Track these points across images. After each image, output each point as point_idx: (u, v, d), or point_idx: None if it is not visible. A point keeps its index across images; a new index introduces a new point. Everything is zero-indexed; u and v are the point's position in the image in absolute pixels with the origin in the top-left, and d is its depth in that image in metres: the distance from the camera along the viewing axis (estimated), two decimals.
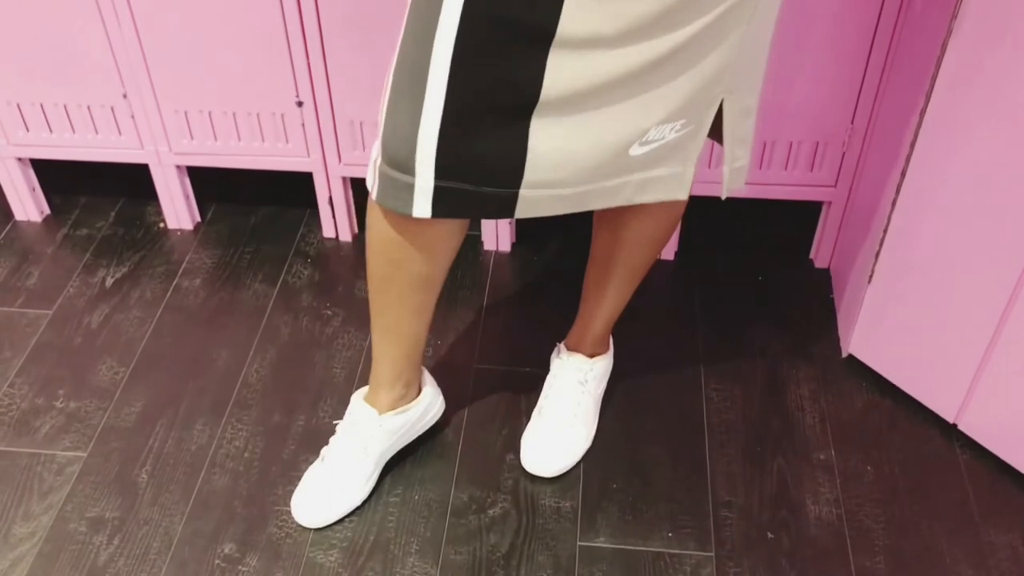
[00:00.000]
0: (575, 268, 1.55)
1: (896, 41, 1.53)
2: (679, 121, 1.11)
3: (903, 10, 1.50)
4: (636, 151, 1.11)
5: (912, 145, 1.38)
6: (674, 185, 1.20)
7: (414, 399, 1.45)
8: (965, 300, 1.42)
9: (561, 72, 1.01)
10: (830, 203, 1.77)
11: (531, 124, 1.05)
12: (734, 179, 1.25)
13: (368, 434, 1.42)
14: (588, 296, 1.49)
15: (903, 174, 1.41)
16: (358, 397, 1.46)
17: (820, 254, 1.84)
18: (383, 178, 1.13)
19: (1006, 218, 1.32)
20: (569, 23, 0.98)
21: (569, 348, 1.54)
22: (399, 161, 1.09)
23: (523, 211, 1.11)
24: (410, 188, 1.10)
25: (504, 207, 1.11)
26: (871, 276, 1.53)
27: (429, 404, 1.49)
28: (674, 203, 1.29)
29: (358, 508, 1.45)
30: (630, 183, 1.16)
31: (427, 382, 1.48)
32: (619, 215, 1.34)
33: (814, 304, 1.78)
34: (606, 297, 1.46)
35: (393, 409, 1.43)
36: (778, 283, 1.83)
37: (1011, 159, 1.27)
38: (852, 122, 1.64)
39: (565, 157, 1.08)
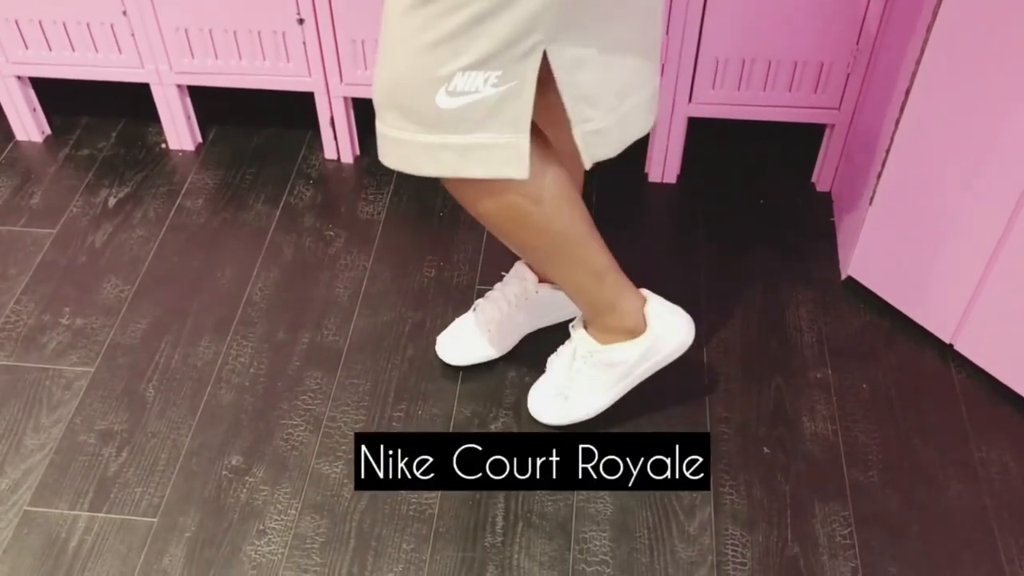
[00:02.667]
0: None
1: None
2: (493, 73, 1.04)
3: None
4: (446, 102, 1.06)
5: (917, 64, 1.38)
6: (505, 157, 1.10)
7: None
8: (964, 222, 1.43)
9: None
10: (833, 126, 1.76)
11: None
12: (591, 144, 1.15)
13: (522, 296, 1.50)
14: None
15: (907, 93, 1.41)
16: (521, 261, 1.51)
17: (822, 178, 1.85)
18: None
19: (1006, 140, 1.32)
20: None
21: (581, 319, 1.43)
22: None
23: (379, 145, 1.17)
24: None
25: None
26: (872, 197, 1.54)
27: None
28: (509, 183, 1.15)
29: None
30: (451, 147, 1.09)
31: None
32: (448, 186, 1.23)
33: (815, 227, 1.79)
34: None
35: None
36: (779, 206, 1.84)
37: (1014, 81, 1.27)
38: (857, 43, 1.63)
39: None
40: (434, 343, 1.56)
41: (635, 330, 1.36)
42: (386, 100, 1.12)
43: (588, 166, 1.17)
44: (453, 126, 1.08)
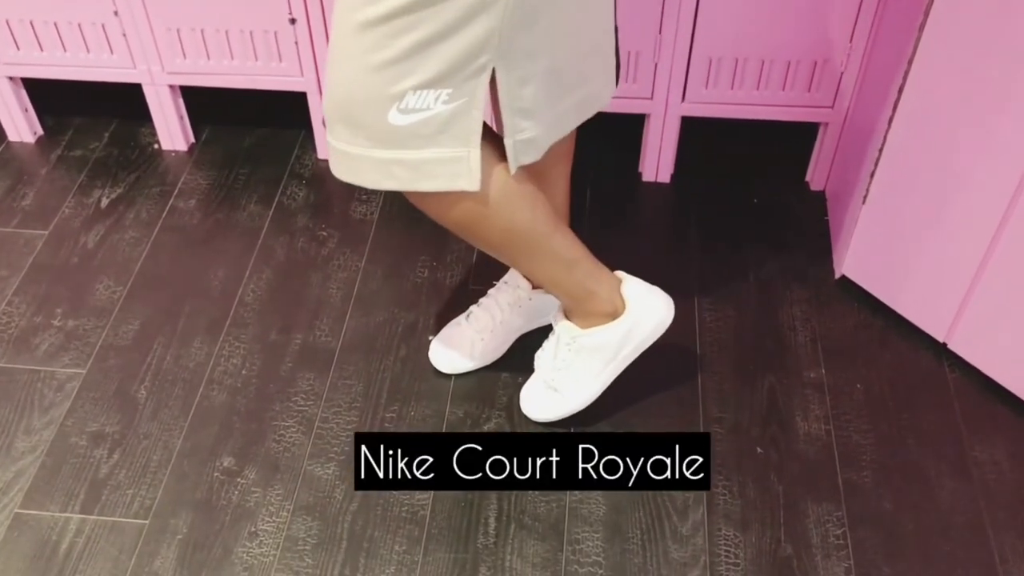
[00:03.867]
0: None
1: None
2: (444, 90, 1.06)
3: None
4: (398, 119, 1.07)
5: (909, 63, 1.37)
6: (456, 170, 1.12)
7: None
8: (957, 221, 1.43)
9: None
10: (827, 124, 1.76)
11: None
12: (520, 152, 1.17)
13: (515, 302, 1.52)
14: None
15: (900, 92, 1.41)
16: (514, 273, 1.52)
17: (816, 177, 1.84)
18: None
19: (999, 138, 1.31)
20: None
21: (561, 309, 1.43)
22: None
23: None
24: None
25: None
26: (866, 196, 1.53)
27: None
28: (461, 195, 1.17)
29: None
30: (404, 162, 1.11)
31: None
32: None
33: (809, 226, 1.79)
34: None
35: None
36: (773, 205, 1.83)
37: (1007, 79, 1.26)
38: (851, 41, 1.63)
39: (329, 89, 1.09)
40: (427, 344, 1.56)
41: (615, 312, 1.37)
42: (336, 114, 1.12)
43: (513, 171, 1.18)
44: (405, 142, 1.09)
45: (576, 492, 1.39)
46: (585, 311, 1.37)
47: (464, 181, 1.13)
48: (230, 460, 1.43)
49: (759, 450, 1.44)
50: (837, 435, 1.46)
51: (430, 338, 1.57)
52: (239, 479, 1.41)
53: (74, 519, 1.36)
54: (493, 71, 1.08)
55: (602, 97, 1.29)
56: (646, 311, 1.38)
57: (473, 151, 1.11)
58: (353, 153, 1.12)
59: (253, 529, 1.35)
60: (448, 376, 1.54)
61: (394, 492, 1.39)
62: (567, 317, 1.40)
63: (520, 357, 1.53)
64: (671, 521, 1.36)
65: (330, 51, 1.10)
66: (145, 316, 1.64)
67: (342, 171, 1.16)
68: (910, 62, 1.37)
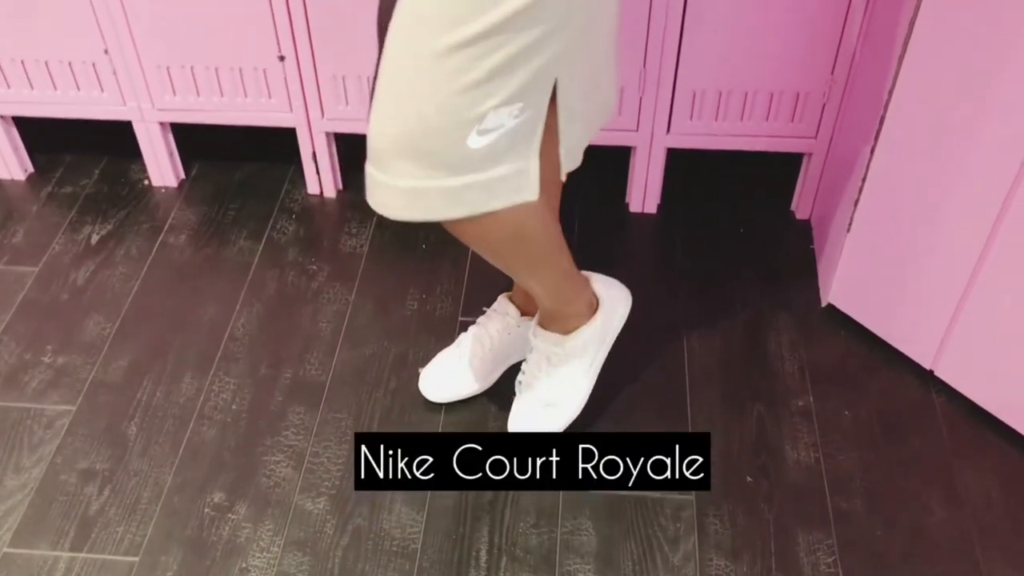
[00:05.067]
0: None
1: None
2: (517, 105, 1.04)
3: None
4: (476, 142, 1.03)
5: (889, 94, 1.39)
6: (521, 183, 1.10)
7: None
8: (941, 248, 1.44)
9: None
10: (811, 154, 1.78)
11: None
12: (567, 158, 1.19)
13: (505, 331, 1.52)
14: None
15: (881, 122, 1.43)
16: (505, 296, 1.54)
17: (801, 205, 1.86)
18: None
19: (979, 166, 1.33)
20: None
21: (539, 323, 1.45)
22: None
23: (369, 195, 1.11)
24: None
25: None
26: (850, 225, 1.55)
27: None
28: (508, 211, 1.13)
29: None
30: (475, 185, 1.07)
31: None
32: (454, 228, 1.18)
33: (795, 255, 1.80)
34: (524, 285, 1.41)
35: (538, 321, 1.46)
36: (760, 234, 1.85)
37: (986, 108, 1.29)
38: (832, 72, 1.65)
39: (396, 126, 1.04)
40: (417, 376, 1.57)
41: (591, 310, 1.43)
42: (401, 149, 1.05)
43: (563, 177, 1.22)
44: (480, 164, 1.06)
45: (567, 523, 1.39)
46: (568, 315, 1.41)
47: (528, 192, 1.11)
48: (220, 496, 1.43)
49: (749, 479, 1.45)
50: (826, 463, 1.46)
51: (420, 369, 1.57)
52: (230, 515, 1.41)
53: (64, 557, 1.36)
54: (555, 80, 1.07)
55: (613, 104, 1.31)
56: (614, 300, 1.46)
57: (533, 161, 1.10)
58: (420, 187, 1.06)
59: (244, 565, 1.35)
60: (439, 406, 1.54)
61: (384, 526, 1.39)
62: (544, 328, 1.42)
63: (509, 386, 1.53)
64: (663, 552, 1.36)
65: (390, 85, 1.03)
66: (135, 352, 1.64)
67: (400, 208, 1.09)
68: (890, 93, 1.39)
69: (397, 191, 1.07)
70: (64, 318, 1.70)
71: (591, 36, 1.13)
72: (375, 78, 1.07)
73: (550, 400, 1.46)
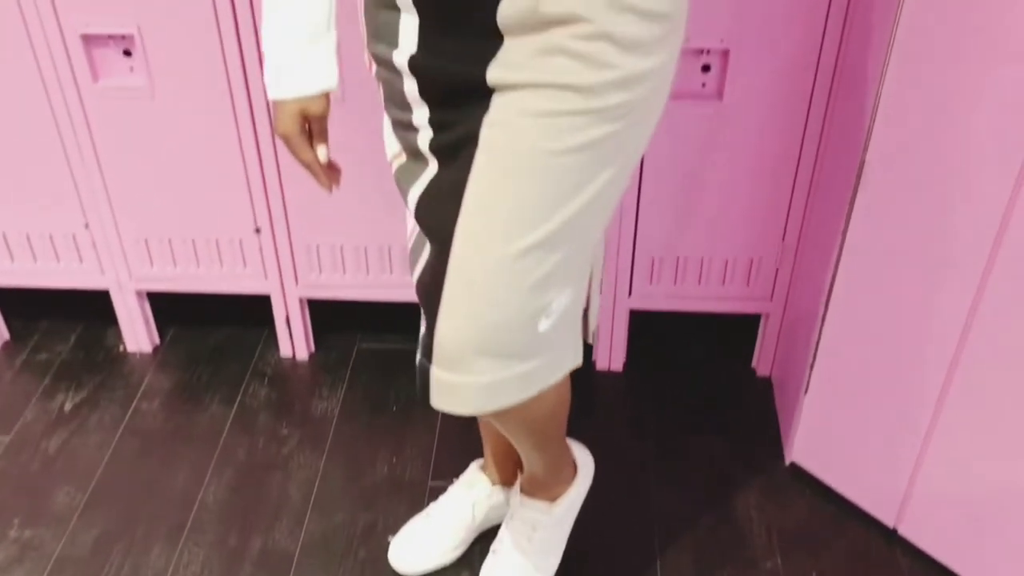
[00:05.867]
0: None
1: (819, 167, 1.64)
2: (574, 287, 1.09)
3: (823, 143, 1.61)
4: (544, 325, 1.07)
5: (837, 263, 1.47)
6: (571, 352, 1.15)
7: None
8: (896, 408, 1.49)
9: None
10: (767, 315, 1.85)
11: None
12: (592, 324, 1.25)
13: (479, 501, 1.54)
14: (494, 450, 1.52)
15: (831, 287, 1.50)
16: (476, 465, 1.55)
17: (761, 363, 1.92)
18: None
19: (929, 330, 1.39)
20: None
21: (522, 491, 1.45)
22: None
23: (438, 396, 1.11)
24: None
25: (422, 381, 1.12)
26: (807, 386, 1.60)
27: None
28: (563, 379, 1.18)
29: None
30: (543, 364, 1.11)
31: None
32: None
33: (758, 412, 1.84)
34: (521, 457, 1.42)
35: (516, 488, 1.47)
36: (723, 392, 1.89)
37: (932, 270, 1.35)
38: (783, 239, 1.74)
39: (472, 328, 1.06)
40: (387, 544, 1.57)
41: (573, 474, 1.45)
42: (479, 349, 1.06)
43: (591, 339, 1.24)
44: (548, 344, 1.09)
45: None
46: (557, 482, 1.42)
47: (574, 357, 1.16)
48: None
49: None
50: None
51: (390, 538, 1.58)
52: None
53: None
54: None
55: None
56: (585, 460, 1.48)
57: (580, 326, 1.15)
58: (499, 379, 1.08)
59: None
60: None
61: None
62: (530, 496, 1.43)
63: (480, 555, 1.54)
64: None
65: (462, 290, 1.05)
66: (104, 524, 1.63)
67: (482, 403, 1.10)
68: (837, 263, 1.47)
69: (478, 387, 1.08)
70: (33, 489, 1.70)
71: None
72: (413, 251, 1.14)
73: (532, 567, 1.45)
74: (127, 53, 1.64)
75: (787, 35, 1.53)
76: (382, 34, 1.03)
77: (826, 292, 1.52)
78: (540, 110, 0.96)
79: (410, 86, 1.03)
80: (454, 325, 1.06)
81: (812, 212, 1.68)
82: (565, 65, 0.94)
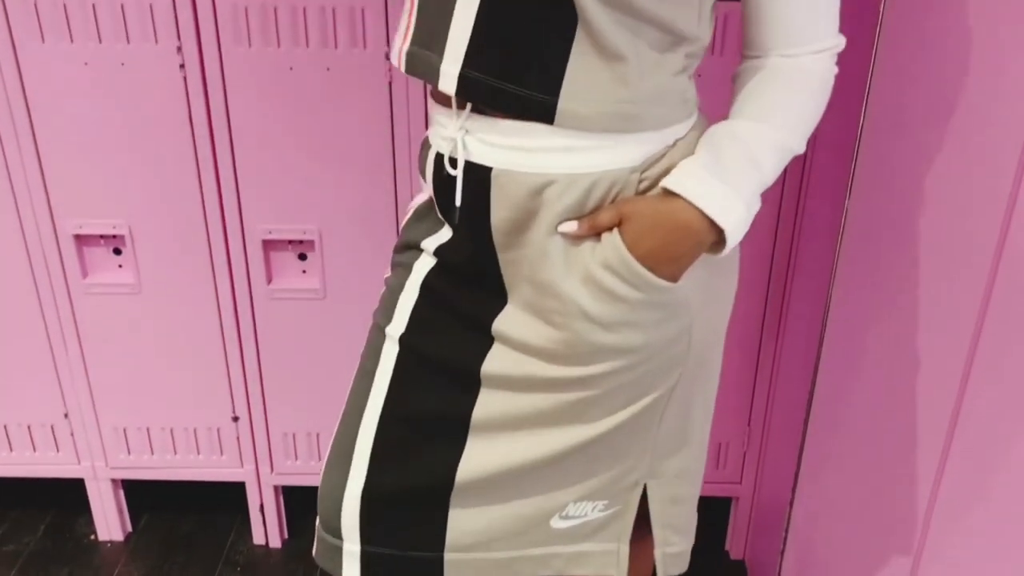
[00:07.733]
0: None
1: (778, 355, 1.71)
2: (600, 501, 1.15)
3: (781, 335, 1.69)
4: (558, 524, 1.15)
5: (801, 445, 1.52)
6: (607, 561, 1.20)
7: None
8: None
9: (475, 456, 1.10)
10: (738, 498, 1.88)
11: (451, 498, 1.11)
12: (670, 564, 1.25)
13: None
14: None
15: (796, 475, 1.54)
16: None
17: (734, 546, 1.93)
18: (318, 539, 1.17)
19: (895, 519, 1.43)
20: (482, 410, 1.08)
21: None
22: (329, 523, 1.14)
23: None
24: (339, 551, 1.14)
25: (432, 571, 1.15)
26: (779, 572, 1.62)
27: None
28: None
29: None
30: (561, 555, 1.18)
31: None
32: None
33: None
34: None
35: None
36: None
37: (890, 454, 1.40)
38: (749, 424, 1.79)
39: (485, 524, 1.13)
40: None
41: None
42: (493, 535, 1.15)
43: None
44: (563, 540, 1.16)
45: None
46: None
47: (613, 569, 1.20)
48: None
49: None
50: None
51: None
52: None
53: None
54: (644, 486, 1.16)
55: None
56: None
57: (623, 547, 1.19)
58: (511, 556, 1.15)
59: None
60: None
61: None
62: None
63: None
64: None
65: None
66: None
67: None
68: (802, 444, 1.52)
69: (492, 563, 1.16)
70: None
71: (700, 456, 1.23)
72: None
73: None
74: (117, 251, 1.71)
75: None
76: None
77: (793, 475, 1.56)
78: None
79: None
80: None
81: (776, 395, 1.75)
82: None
